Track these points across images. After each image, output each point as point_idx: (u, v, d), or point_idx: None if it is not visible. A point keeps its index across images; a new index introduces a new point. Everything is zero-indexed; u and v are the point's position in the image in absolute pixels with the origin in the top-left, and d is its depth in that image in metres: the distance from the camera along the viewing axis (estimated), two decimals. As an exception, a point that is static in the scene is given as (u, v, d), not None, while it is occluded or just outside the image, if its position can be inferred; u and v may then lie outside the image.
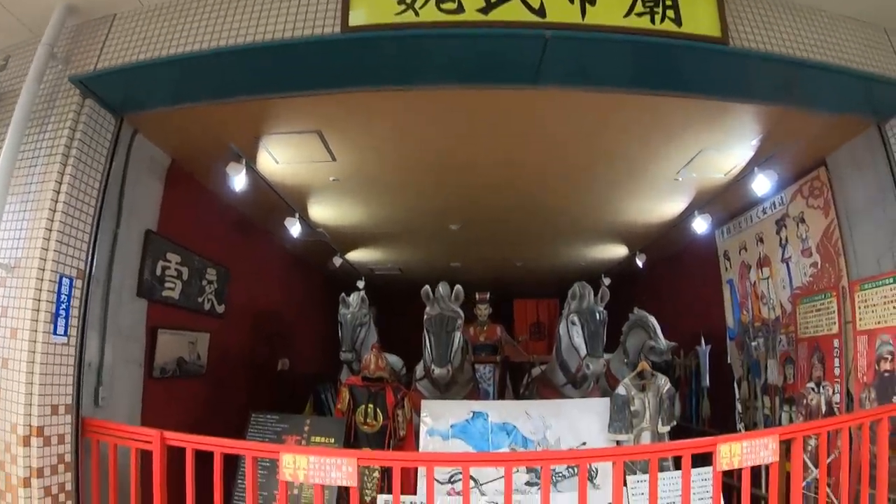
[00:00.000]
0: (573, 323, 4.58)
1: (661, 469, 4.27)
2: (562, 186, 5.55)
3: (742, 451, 2.88)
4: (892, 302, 3.71)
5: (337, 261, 8.05)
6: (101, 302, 3.65)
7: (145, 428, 3.29)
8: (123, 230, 3.87)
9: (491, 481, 4.07)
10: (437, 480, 4.13)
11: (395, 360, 6.52)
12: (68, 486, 3.11)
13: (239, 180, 4.48)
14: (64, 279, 3.20)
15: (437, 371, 4.36)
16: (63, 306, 3.20)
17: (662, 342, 5.28)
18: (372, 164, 4.96)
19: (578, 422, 4.48)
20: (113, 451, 3.20)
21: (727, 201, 5.57)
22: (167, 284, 4.54)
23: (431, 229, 7.04)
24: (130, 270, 4.07)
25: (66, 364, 3.21)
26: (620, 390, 4.41)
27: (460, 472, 4.04)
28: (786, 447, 3.38)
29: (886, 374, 3.71)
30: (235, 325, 5.86)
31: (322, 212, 6.31)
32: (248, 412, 4.52)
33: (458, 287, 4.67)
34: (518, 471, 4.20)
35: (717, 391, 6.02)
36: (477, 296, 6.77)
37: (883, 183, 3.79)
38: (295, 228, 6.01)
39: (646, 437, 4.36)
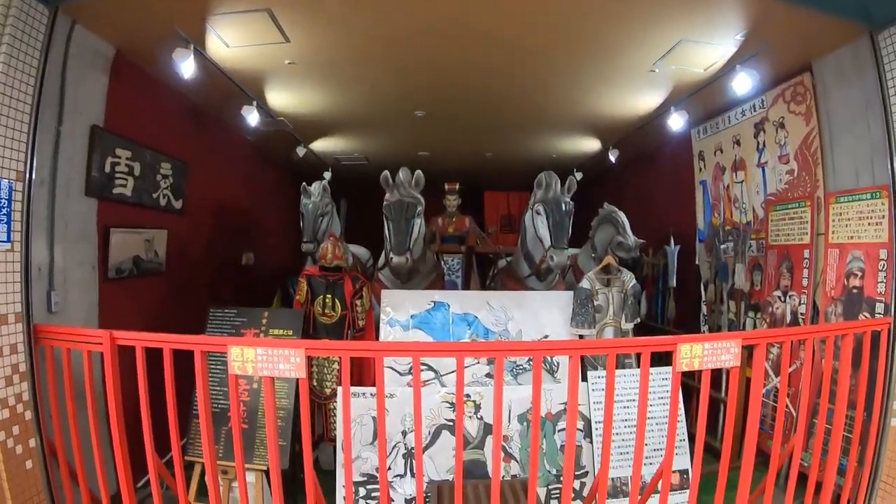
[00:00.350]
0: (538, 213, 4.48)
1: (624, 367, 4.35)
2: (533, 71, 5.16)
3: (703, 352, 2.79)
4: (867, 218, 3.61)
5: (301, 151, 7.69)
6: (46, 204, 3.41)
7: (94, 329, 3.17)
8: (67, 128, 3.56)
9: (451, 372, 4.08)
10: (397, 371, 4.17)
11: (361, 251, 6.50)
12: (25, 396, 3.02)
13: (187, 67, 4.06)
14: (2, 182, 2.95)
15: (395, 259, 4.24)
16: (3, 211, 2.97)
17: (631, 238, 5.23)
18: (329, 45, 4.53)
19: (541, 314, 4.48)
20: (67, 356, 3.10)
21: (705, 99, 5.29)
22: (118, 181, 4.26)
23: (396, 116, 6.66)
24: (77, 169, 3.79)
25: (12, 272, 3.03)
26: (584, 284, 4.36)
27: (423, 363, 4.09)
28: (748, 353, 3.43)
29: (855, 291, 3.68)
30: (196, 220, 5.66)
31: (281, 99, 5.91)
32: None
33: (418, 172, 4.49)
34: (479, 362, 4.22)
35: (684, 292, 6.05)
36: (446, 186, 6.71)
37: (870, 96, 3.56)
38: (253, 117, 5.60)
39: (608, 333, 4.37)
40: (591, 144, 7.97)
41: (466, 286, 6.18)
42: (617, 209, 5.54)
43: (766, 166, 4.86)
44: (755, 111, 4.97)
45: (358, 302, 4.58)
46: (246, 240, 7.29)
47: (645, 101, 5.74)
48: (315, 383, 4.55)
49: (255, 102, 5.53)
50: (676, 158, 6.66)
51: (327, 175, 8.60)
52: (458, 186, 6.80)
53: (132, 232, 4.48)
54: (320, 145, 8.13)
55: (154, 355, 2.85)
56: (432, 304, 4.48)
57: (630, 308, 4.35)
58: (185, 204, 5.31)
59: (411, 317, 4.44)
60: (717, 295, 5.44)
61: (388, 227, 4.44)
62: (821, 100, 4.17)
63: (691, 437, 4.98)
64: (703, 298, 5.46)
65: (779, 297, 4.49)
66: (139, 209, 4.59)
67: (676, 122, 5.49)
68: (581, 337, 4.34)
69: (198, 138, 5.78)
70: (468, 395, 3.92)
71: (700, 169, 6.04)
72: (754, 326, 4.92)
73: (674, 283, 6.04)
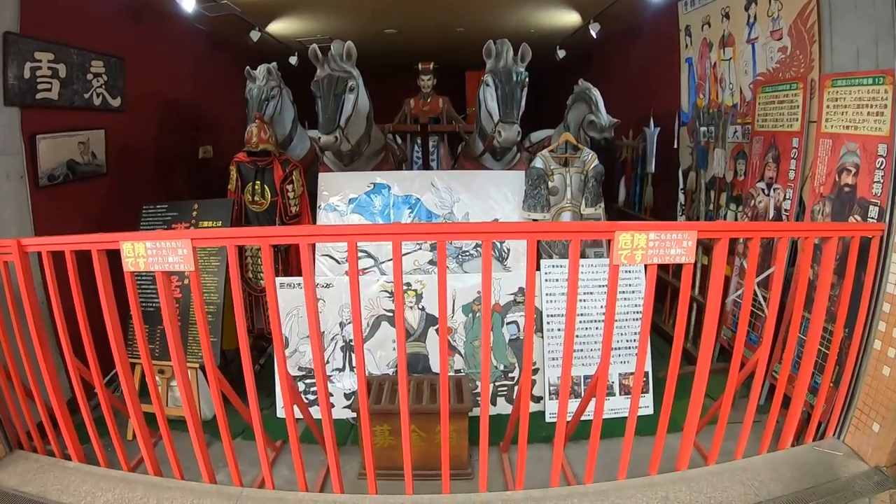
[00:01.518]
0: (487, 84, 4.09)
1: (584, 255, 4.12)
2: None
3: (648, 244, 2.43)
4: (866, 106, 3.19)
5: (255, 35, 7.06)
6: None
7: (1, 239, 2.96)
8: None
9: (390, 259, 3.84)
10: (335, 259, 3.97)
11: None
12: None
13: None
14: None
15: (322, 139, 3.85)
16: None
17: (604, 117, 4.85)
18: None
19: (491, 196, 4.21)
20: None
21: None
22: (41, 86, 3.93)
23: None
24: (-9, 80, 3.44)
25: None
26: (537, 163, 4.02)
27: (360, 248, 3.87)
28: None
29: (847, 189, 3.33)
30: (140, 117, 5.28)
31: None
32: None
33: (349, 43, 4.04)
34: (420, 247, 3.99)
35: (664, 179, 5.69)
36: (420, 65, 6.24)
37: None
38: (189, 2, 5.13)
39: (566, 218, 4.09)
40: (572, 18, 7.33)
41: (448, 168, 5.88)
42: (591, 86, 5.09)
43: (756, 42, 4.35)
44: (748, -21, 4.39)
45: (289, 187, 4.28)
46: (202, 132, 6.86)
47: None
48: (250, 274, 4.41)
49: None
50: (662, 33, 6.07)
51: (293, 60, 8.22)
52: (432, 66, 6.29)
53: (63, 136, 4.19)
54: (279, 28, 7.51)
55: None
56: (372, 186, 4.16)
57: (591, 191, 4.02)
58: (125, 101, 4.94)
59: (349, 201, 4.13)
60: (698, 183, 5.09)
61: (317, 105, 4.03)
62: (821, -31, 3.61)
63: (662, 335, 4.93)
64: (682, 186, 5.12)
65: (762, 190, 4.15)
66: (70, 112, 4.30)
67: None
68: (535, 222, 4.02)
69: (134, 31, 5.30)
70: (409, 284, 3.75)
71: (686, 45, 5.48)
72: (735, 220, 4.63)
73: (652, 168, 5.68)
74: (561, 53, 8.31)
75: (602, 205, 4.15)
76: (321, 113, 3.96)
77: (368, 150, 4.51)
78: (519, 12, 7.17)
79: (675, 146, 5.44)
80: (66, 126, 4.23)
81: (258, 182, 4.31)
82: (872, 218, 3.12)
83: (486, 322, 2.54)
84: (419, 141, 6.25)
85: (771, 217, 4.05)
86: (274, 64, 5.27)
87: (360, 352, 2.56)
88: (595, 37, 6.95)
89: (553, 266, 3.71)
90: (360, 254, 3.90)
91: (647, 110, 5.82)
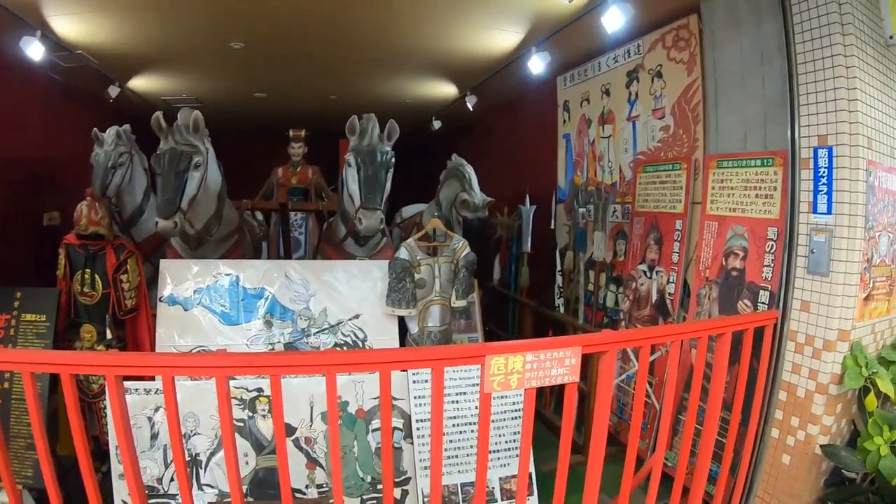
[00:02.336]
0: (349, 164, 3.66)
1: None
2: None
3: (525, 367, 2.02)
4: (754, 188, 3.06)
5: (113, 90, 6.41)
6: None
7: None
8: None
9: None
10: None
11: None
12: None
13: None
14: None
15: (160, 224, 3.21)
16: None
17: (477, 195, 4.61)
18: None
19: (351, 289, 3.70)
20: None
21: (572, 41, 4.63)
22: None
23: (211, 48, 5.56)
24: None
25: None
26: (401, 253, 3.58)
27: (205, 348, 3.40)
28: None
29: (734, 274, 3.14)
30: None
31: (73, 26, 4.71)
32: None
33: (196, 113, 3.44)
34: (274, 346, 3.50)
35: (541, 259, 5.45)
36: (290, 132, 5.97)
37: (768, 45, 2.98)
38: (36, 50, 4.51)
39: (435, 313, 3.64)
40: (448, 89, 7.19)
41: (313, 251, 5.26)
42: (465, 162, 4.88)
43: (637, 121, 4.26)
44: (629, 57, 4.33)
45: (123, 277, 3.59)
46: (50, 196, 5.98)
47: (504, 38, 4.99)
48: (82, 376, 3.63)
49: (38, 32, 4.47)
50: (540, 108, 6.00)
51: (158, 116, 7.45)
52: (303, 133, 6.00)
53: None
54: (141, 84, 6.91)
55: None
56: (218, 275, 3.56)
57: (462, 282, 3.63)
58: None
59: (195, 292, 3.50)
60: (576, 263, 4.86)
61: (157, 183, 3.44)
62: (707, 47, 3.54)
63: (543, 420, 4.54)
64: (560, 268, 4.87)
65: (644, 272, 3.95)
66: None
67: (538, 65, 4.84)
68: (402, 320, 3.66)
69: None
70: (260, 390, 3.21)
71: (564, 121, 5.39)
72: (616, 302, 4.41)
73: (528, 247, 5.41)
74: (437, 124, 8.16)
75: (475, 294, 3.77)
76: (160, 193, 3.38)
77: (219, 233, 3.88)
78: (394, 81, 6.94)
79: (552, 226, 5.23)
80: None
81: (88, 270, 3.59)
82: (763, 303, 2.98)
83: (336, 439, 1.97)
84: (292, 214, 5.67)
85: (654, 301, 3.83)
86: (126, 127, 4.72)
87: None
88: (472, 109, 6.82)
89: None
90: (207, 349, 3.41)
91: (524, 187, 5.63)
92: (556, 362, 2.07)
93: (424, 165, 10.02)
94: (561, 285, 4.84)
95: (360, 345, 3.59)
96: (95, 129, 4.71)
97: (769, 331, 2.81)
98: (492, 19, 4.52)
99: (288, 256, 5.08)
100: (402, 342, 3.64)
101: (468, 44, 5.23)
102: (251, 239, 4.59)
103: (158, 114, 3.35)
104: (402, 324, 3.65)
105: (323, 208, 5.13)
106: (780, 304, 2.85)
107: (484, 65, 5.78)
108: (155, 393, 3.05)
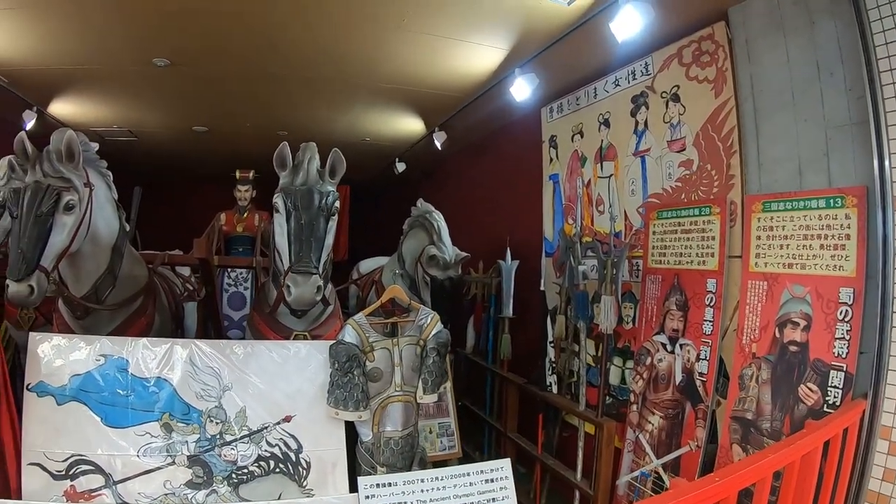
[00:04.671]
0: (276, 210, 2.92)
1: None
2: (323, 18, 3.97)
3: None
4: (818, 237, 2.46)
5: (29, 116, 5.70)
6: None
7: None
8: None
9: (130, 479, 2.68)
10: (48, 472, 2.71)
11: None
12: None
13: None
14: None
15: (10, 287, 2.48)
16: None
17: (448, 249, 4.17)
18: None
19: (282, 381, 2.93)
20: None
21: (564, 60, 4.09)
22: None
23: (133, 64, 4.97)
24: None
25: None
26: (346, 335, 2.83)
27: (85, 458, 2.67)
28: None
29: (793, 349, 2.52)
30: None
31: None
32: None
33: (69, 134, 2.70)
34: (174, 460, 2.76)
35: (525, 324, 4.79)
36: (237, 173, 5.58)
37: (827, 54, 2.50)
38: None
39: (395, 413, 2.86)
40: (413, 125, 6.66)
41: None
42: (433, 209, 4.39)
43: (647, 155, 3.68)
44: (635, 79, 3.79)
45: None
46: None
47: (482, 57, 4.44)
48: None
49: None
50: (521, 145, 5.48)
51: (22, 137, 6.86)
52: (251, 175, 5.54)
53: None
54: (65, 111, 6.27)
55: None
56: (102, 359, 2.78)
57: (432, 369, 2.88)
58: None
59: (70, 379, 2.73)
60: (570, 330, 4.18)
61: (12, 230, 2.70)
62: (741, 60, 3.01)
63: None
64: (550, 338, 4.19)
65: (663, 345, 3.29)
66: None
67: (523, 89, 4.32)
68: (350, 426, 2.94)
69: None
70: None
71: (551, 159, 4.81)
72: (621, 379, 3.75)
73: (510, 311, 4.73)
74: (401, 167, 7.58)
75: (448, 385, 3.03)
76: (11, 244, 2.65)
77: (114, 297, 3.09)
78: (350, 114, 6.42)
79: (542, 286, 4.56)
80: None
81: None
82: (836, 387, 2.38)
83: None
84: (228, 269, 5.04)
85: (678, 382, 3.17)
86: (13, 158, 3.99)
87: None
88: (440, 148, 6.27)
89: (378, 485, 2.52)
90: (84, 467, 2.68)
91: (503, 239, 4.99)
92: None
93: (386, 212, 9.50)
94: (553, 359, 4.14)
95: (293, 457, 2.82)
96: None
97: (854, 429, 2.24)
98: (467, 31, 3.99)
99: (216, 322, 4.31)
100: (351, 453, 2.90)
101: (438, 66, 4.72)
102: (169, 302, 3.83)
103: (22, 134, 2.63)
104: (352, 427, 2.91)
105: (256, 265, 4.41)
106: (870, 392, 2.23)
107: (456, 93, 5.27)
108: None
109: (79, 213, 2.68)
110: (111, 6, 3.84)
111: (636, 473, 3.34)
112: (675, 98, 3.42)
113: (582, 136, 4.38)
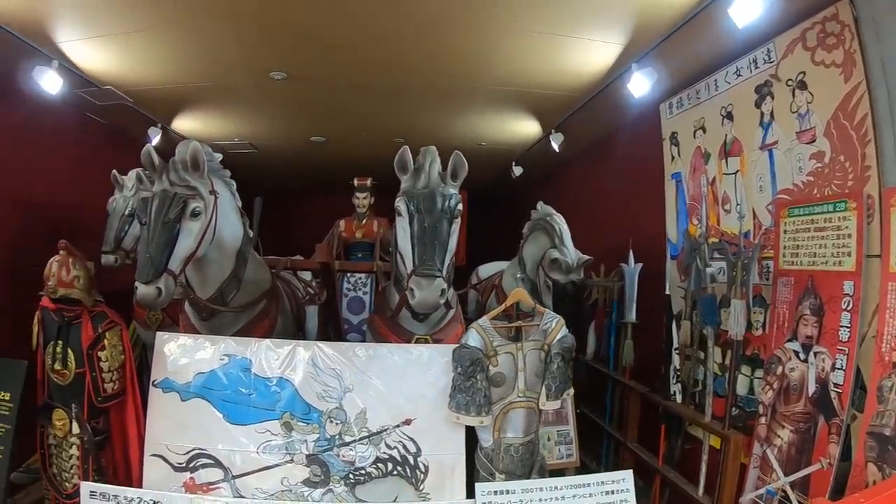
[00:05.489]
0: (399, 214, 2.96)
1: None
2: (437, 25, 4.05)
3: None
4: (972, 231, 2.24)
5: (154, 132, 6.22)
6: None
7: None
8: None
9: (249, 474, 2.87)
10: (170, 464, 2.91)
11: None
12: None
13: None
14: None
15: (139, 290, 2.66)
16: None
17: (571, 252, 4.16)
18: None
19: (403, 384, 3.00)
20: None
21: (681, 53, 3.98)
22: None
23: (251, 79, 5.33)
24: None
25: None
26: (470, 339, 2.86)
27: (205, 452, 2.89)
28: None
29: (945, 360, 2.30)
30: None
31: (97, 57, 4.54)
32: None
33: (194, 145, 2.89)
34: (293, 458, 2.92)
35: (648, 329, 4.62)
36: (355, 181, 5.75)
37: None
38: (51, 81, 4.31)
39: (517, 419, 2.88)
40: (530, 128, 6.70)
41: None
42: (553, 211, 4.36)
43: (775, 148, 3.48)
44: (757, 67, 3.59)
45: (101, 355, 3.13)
46: (80, 246, 5.75)
47: (598, 53, 4.41)
48: (54, 469, 3.29)
49: (54, 61, 4.30)
50: (640, 144, 5.34)
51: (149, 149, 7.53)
52: (369, 182, 5.71)
53: None
54: (187, 126, 6.78)
55: None
56: (226, 358, 2.98)
57: (556, 375, 2.84)
58: None
59: (194, 377, 2.96)
60: (694, 337, 4.02)
61: (141, 235, 2.99)
62: (869, 41, 2.78)
63: None
64: (675, 344, 4.03)
65: (795, 353, 3.09)
66: None
67: (641, 85, 4.24)
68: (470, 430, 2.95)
69: None
70: None
71: (672, 157, 4.65)
72: (749, 389, 3.56)
73: (633, 316, 4.61)
74: (517, 170, 7.59)
75: (571, 391, 2.99)
76: (140, 249, 2.87)
77: (238, 300, 3.31)
78: (465, 121, 6.58)
79: (667, 290, 4.40)
80: None
81: (60, 343, 3.15)
82: None
83: None
84: (348, 274, 5.23)
85: (810, 393, 2.96)
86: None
87: None
88: (557, 150, 6.25)
89: (495, 493, 2.54)
90: (204, 460, 2.88)
91: (624, 241, 4.88)
92: None
93: (504, 218, 9.51)
94: (678, 367, 3.99)
95: (411, 460, 2.89)
96: (115, 171, 4.54)
97: None
98: (581, 27, 4.00)
99: (336, 325, 4.49)
100: (470, 459, 2.93)
101: (553, 66, 4.73)
102: (291, 306, 4.04)
103: (149, 146, 2.87)
104: (471, 433, 2.94)
105: (377, 270, 4.54)
106: None
107: (572, 93, 5.26)
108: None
109: (204, 219, 2.87)
110: (228, 24, 4.11)
111: (761, 491, 3.15)
112: (802, 85, 3.20)
113: (704, 132, 4.20)
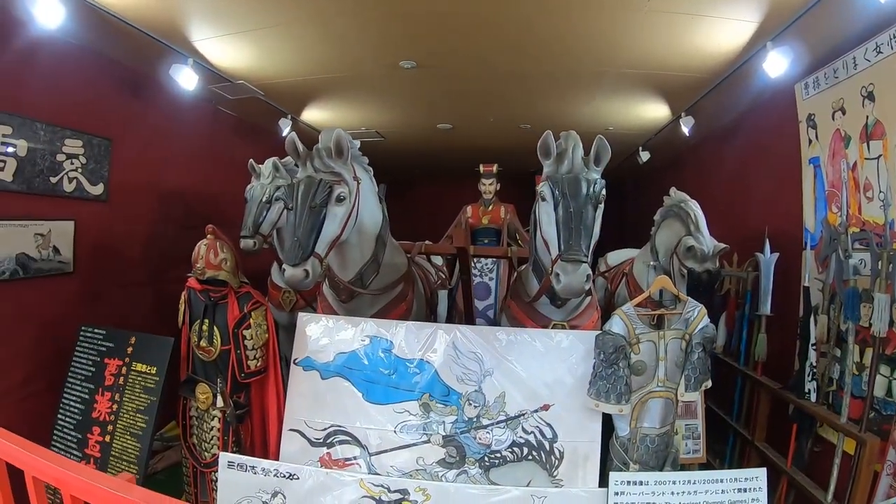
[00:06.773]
0: (543, 199, 2.95)
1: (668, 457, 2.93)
2: (565, 7, 4.08)
3: None
4: None
5: (285, 123, 6.71)
6: None
7: None
8: None
9: (386, 451, 3.04)
10: (307, 438, 3.15)
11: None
12: None
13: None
14: None
15: (286, 272, 2.84)
16: None
17: (707, 240, 4.01)
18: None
19: (542, 369, 3.06)
20: None
21: (816, 29, 3.81)
22: None
23: (381, 69, 5.54)
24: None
25: None
26: (614, 325, 2.87)
27: (343, 429, 3.09)
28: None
29: None
30: (127, 209, 4.94)
31: (231, 53, 4.95)
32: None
33: (338, 132, 3.02)
34: (430, 438, 3.06)
35: (782, 324, 4.49)
36: (481, 168, 5.81)
37: None
38: (187, 78, 4.76)
39: (655, 408, 2.88)
40: (658, 112, 6.58)
41: (504, 296, 4.69)
42: (688, 198, 4.25)
43: (924, 129, 3.28)
44: (902, 40, 3.38)
45: (247, 333, 3.43)
46: (224, 230, 6.34)
47: (730, 32, 4.29)
48: (195, 440, 3.66)
49: (190, 60, 4.73)
50: (774, 127, 5.10)
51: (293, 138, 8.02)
52: (495, 168, 5.78)
53: (13, 225, 3.91)
54: (315, 117, 7.20)
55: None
56: (367, 339, 3.19)
57: (696, 366, 2.83)
58: (108, 189, 4.69)
59: (335, 357, 3.18)
60: (832, 332, 3.85)
61: (287, 219, 3.26)
62: None
63: None
64: (812, 339, 3.88)
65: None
66: (24, 197, 4.01)
67: (777, 65, 4.13)
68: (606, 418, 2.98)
69: (127, 107, 5.00)
70: (405, 493, 2.76)
71: (810, 141, 4.43)
72: (887, 391, 3.38)
73: (768, 308, 4.47)
74: (644, 156, 7.46)
75: (709, 383, 2.97)
76: (287, 233, 3.12)
77: (376, 284, 3.51)
78: (591, 106, 6.54)
79: (805, 282, 4.22)
80: (16, 214, 3.91)
81: (206, 321, 3.49)
82: None
83: None
84: (474, 260, 5.30)
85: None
86: (280, 159, 4.78)
87: None
88: (688, 134, 6.09)
89: (629, 483, 2.59)
90: (341, 437, 3.10)
91: (758, 229, 4.73)
92: None
93: (630, 204, 9.33)
94: (815, 364, 3.84)
95: (546, 446, 2.99)
96: (251, 160, 4.80)
97: None
98: (713, 5, 3.90)
99: (468, 310, 4.63)
100: (604, 447, 2.99)
101: (683, 46, 4.64)
102: (425, 290, 4.24)
103: (293, 135, 3.08)
104: (607, 421, 2.99)
105: (512, 255, 4.63)
106: None
107: (702, 74, 5.12)
108: (275, 476, 2.80)
109: (349, 204, 3.03)
110: (358, 16, 4.31)
111: (894, 500, 3.01)
112: (954, 58, 3.00)
113: (843, 113, 3.98)
